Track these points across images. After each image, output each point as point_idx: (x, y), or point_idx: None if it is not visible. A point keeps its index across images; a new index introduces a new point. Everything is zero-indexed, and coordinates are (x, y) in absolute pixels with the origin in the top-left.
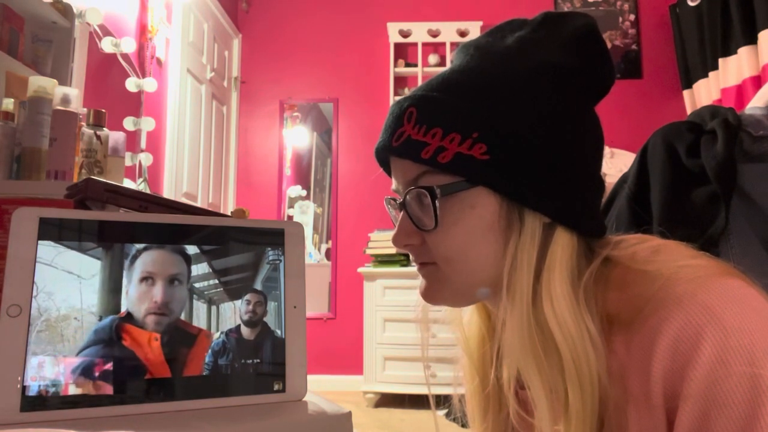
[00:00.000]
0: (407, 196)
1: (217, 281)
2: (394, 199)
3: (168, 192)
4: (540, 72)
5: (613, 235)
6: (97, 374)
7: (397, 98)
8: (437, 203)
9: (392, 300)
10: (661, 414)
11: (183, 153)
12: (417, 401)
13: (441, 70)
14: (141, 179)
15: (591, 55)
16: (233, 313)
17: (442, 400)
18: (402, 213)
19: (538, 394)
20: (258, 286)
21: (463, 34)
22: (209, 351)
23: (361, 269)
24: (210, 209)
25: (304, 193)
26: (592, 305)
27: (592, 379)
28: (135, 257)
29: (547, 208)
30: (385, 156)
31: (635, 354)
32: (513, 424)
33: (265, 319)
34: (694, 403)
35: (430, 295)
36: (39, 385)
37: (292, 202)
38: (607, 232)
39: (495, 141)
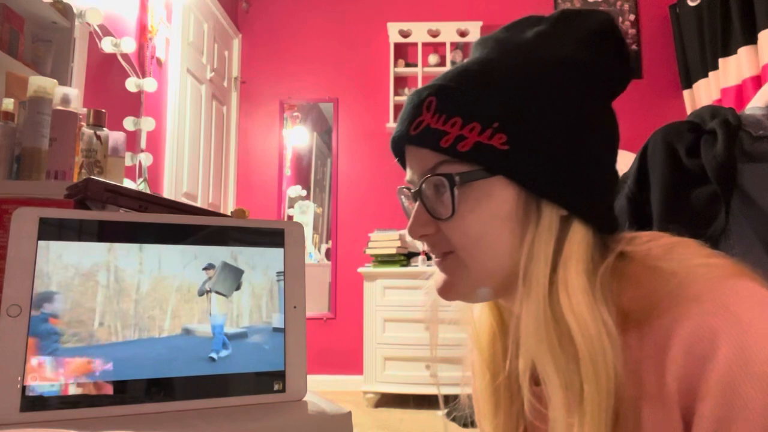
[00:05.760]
0: (423, 185)
1: (218, 280)
2: (409, 189)
3: (168, 192)
4: (560, 66)
5: (626, 232)
6: (97, 374)
7: (396, 97)
8: (456, 191)
9: (392, 300)
10: (675, 412)
11: (183, 153)
12: (417, 401)
13: (441, 70)
14: (141, 179)
15: (609, 50)
16: (234, 312)
17: (443, 401)
18: (417, 203)
19: (553, 386)
20: (258, 286)
21: (463, 34)
22: (210, 351)
23: (361, 269)
24: (210, 209)
25: (304, 193)
26: (608, 299)
27: (608, 371)
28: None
29: (564, 201)
30: (401, 146)
31: (649, 351)
32: (525, 420)
33: (265, 319)
34: (713, 403)
35: (447, 288)
36: (39, 385)
37: (292, 202)
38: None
39: (515, 131)
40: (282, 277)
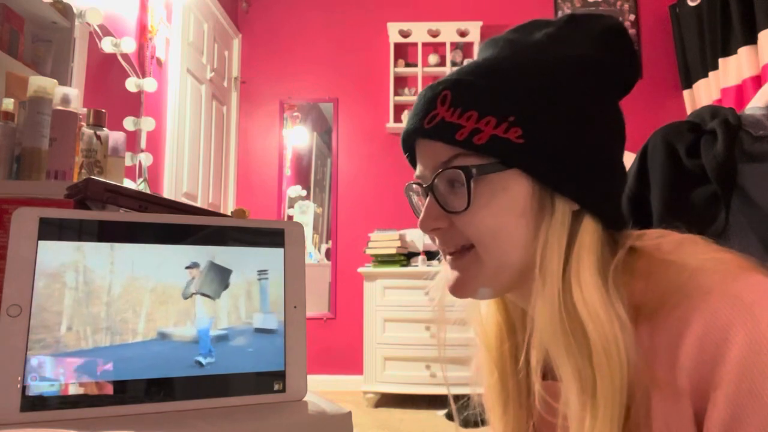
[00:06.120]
0: (437, 179)
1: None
2: (419, 185)
3: (168, 192)
4: (572, 64)
5: (634, 230)
6: (97, 374)
7: (396, 97)
8: (472, 183)
9: (392, 300)
10: (687, 403)
11: (183, 153)
12: (417, 401)
13: (441, 70)
14: (141, 179)
15: (620, 50)
16: (234, 312)
17: (441, 401)
18: (429, 196)
19: (567, 378)
20: (259, 285)
21: (463, 34)
22: (209, 351)
23: (361, 269)
24: (210, 209)
25: (304, 193)
26: (620, 292)
27: (621, 363)
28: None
29: (577, 195)
30: (413, 141)
31: (661, 343)
32: (533, 417)
33: (265, 318)
34: (728, 392)
35: (461, 285)
36: (39, 385)
37: (292, 202)
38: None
39: (530, 125)
40: (264, 276)
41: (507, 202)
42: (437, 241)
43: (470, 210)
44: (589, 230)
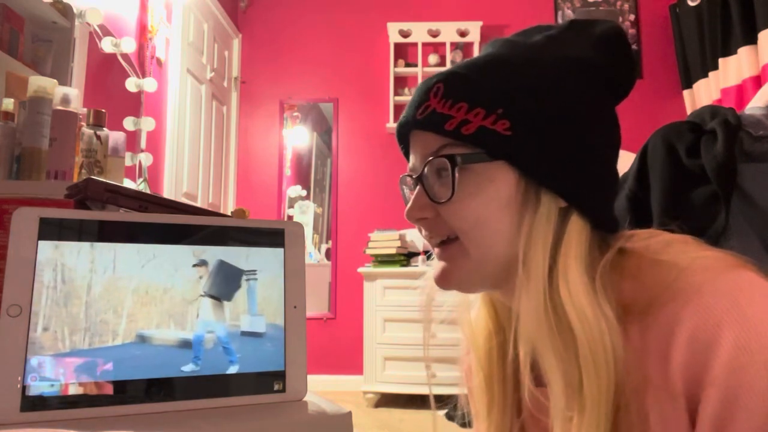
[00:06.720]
0: (426, 168)
1: (213, 282)
2: (411, 176)
3: (168, 192)
4: (568, 63)
5: (625, 231)
6: (97, 374)
7: (396, 97)
8: (456, 172)
9: (392, 300)
10: (681, 401)
11: (183, 153)
12: (417, 401)
13: (441, 70)
14: (141, 179)
15: (618, 55)
16: (234, 312)
17: (441, 401)
18: (417, 187)
19: (553, 375)
20: (258, 285)
21: (463, 34)
22: (209, 351)
23: (361, 269)
24: (210, 209)
25: (304, 193)
26: (609, 293)
27: (608, 363)
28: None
29: (563, 191)
30: (406, 132)
31: (652, 342)
32: (519, 417)
33: (265, 318)
34: (718, 390)
35: (446, 276)
36: (39, 385)
37: (292, 202)
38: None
39: (519, 118)
40: (251, 277)
41: (492, 193)
42: (423, 231)
43: (455, 199)
44: (577, 229)
